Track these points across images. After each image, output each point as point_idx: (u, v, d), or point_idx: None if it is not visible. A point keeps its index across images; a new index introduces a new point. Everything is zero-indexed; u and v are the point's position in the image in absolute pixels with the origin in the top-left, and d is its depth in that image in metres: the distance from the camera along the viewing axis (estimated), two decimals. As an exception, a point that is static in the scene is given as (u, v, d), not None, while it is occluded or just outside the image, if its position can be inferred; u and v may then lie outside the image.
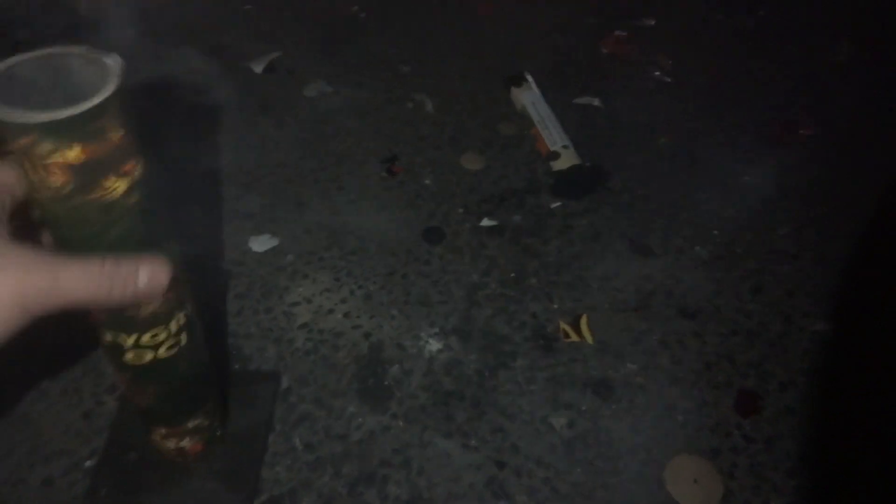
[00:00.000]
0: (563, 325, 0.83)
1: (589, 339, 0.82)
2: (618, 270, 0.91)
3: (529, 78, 1.15)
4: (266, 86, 1.20)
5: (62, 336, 0.75)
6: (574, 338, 0.82)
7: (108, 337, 0.52)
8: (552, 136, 1.04)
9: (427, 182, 1.01)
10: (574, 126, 1.11)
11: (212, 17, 1.33)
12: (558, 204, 1.00)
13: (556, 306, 0.86)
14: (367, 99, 1.18)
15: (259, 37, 1.29)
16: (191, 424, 0.62)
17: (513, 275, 0.89)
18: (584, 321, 0.84)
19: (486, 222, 0.96)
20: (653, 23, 1.42)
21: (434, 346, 0.81)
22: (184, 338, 0.54)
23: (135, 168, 0.41)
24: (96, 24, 1.20)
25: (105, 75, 0.39)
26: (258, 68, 1.22)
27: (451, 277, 0.89)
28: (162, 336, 0.52)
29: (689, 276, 0.90)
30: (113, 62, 0.39)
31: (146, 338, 0.51)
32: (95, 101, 0.37)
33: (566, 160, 1.01)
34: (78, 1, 1.29)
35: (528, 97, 1.11)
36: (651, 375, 0.78)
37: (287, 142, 1.08)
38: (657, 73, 1.28)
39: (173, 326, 0.52)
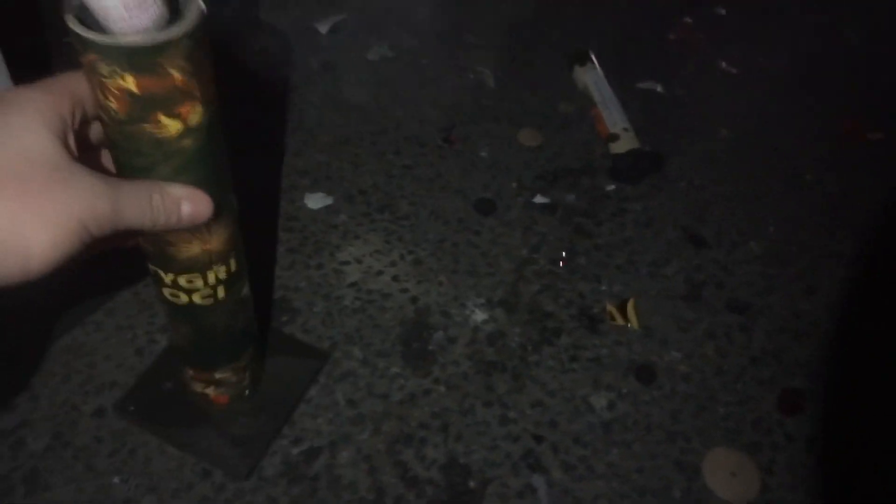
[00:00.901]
0: (610, 308, 0.83)
1: (635, 323, 0.82)
2: (669, 258, 0.90)
3: (593, 57, 1.13)
4: (330, 47, 1.20)
5: (118, 271, 0.77)
6: (620, 321, 0.82)
7: (151, 268, 0.54)
8: (613, 117, 1.03)
9: (483, 154, 1.01)
10: (635, 110, 1.09)
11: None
12: (613, 187, 0.99)
13: (604, 288, 0.86)
14: (427, 67, 1.17)
15: (325, -3, 1.30)
16: (218, 376, 0.64)
17: (563, 253, 0.89)
18: (630, 305, 0.83)
19: (539, 199, 0.96)
20: (724, 12, 1.39)
21: (479, 316, 0.81)
22: (220, 291, 0.55)
23: (191, 112, 0.41)
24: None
25: (183, 14, 0.39)
26: (323, 29, 1.23)
27: (501, 250, 0.89)
28: (198, 283, 0.53)
29: (742, 269, 0.89)
30: (196, 6, 0.39)
31: (182, 280, 0.53)
32: (159, 38, 0.37)
33: (625, 143, 1.00)
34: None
35: (591, 77, 1.10)
36: (695, 365, 0.78)
37: (347, 103, 1.09)
38: (724, 65, 1.25)
39: (210, 277, 0.53)
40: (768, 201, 0.99)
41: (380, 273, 0.84)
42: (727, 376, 0.77)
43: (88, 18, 0.37)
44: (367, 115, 1.07)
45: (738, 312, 0.84)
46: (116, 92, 0.38)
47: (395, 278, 0.84)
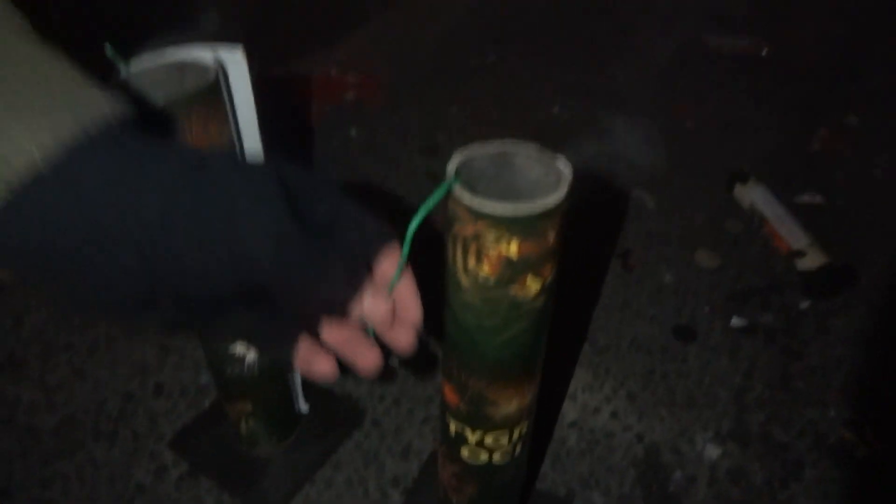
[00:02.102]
0: (847, 435, 0.77)
1: (880, 448, 0.75)
2: (890, 373, 0.84)
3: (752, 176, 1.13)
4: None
5: (336, 419, 0.76)
6: (862, 449, 0.76)
7: (453, 427, 0.52)
8: (792, 233, 1.01)
9: (667, 279, 1.00)
10: (802, 223, 1.07)
11: (425, 119, 1.41)
12: (808, 304, 0.95)
13: (832, 413, 0.80)
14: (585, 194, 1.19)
15: (468, 136, 1.35)
16: None
17: (779, 378, 0.84)
18: (868, 429, 0.78)
19: (735, 321, 0.93)
20: (856, 121, 1.39)
21: (713, 451, 0.76)
22: (519, 447, 0.54)
23: (552, 272, 0.42)
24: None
25: (555, 178, 0.40)
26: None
27: (713, 378, 0.85)
28: (503, 441, 0.52)
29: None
30: (566, 168, 0.40)
31: (489, 438, 0.51)
32: (551, 202, 0.38)
33: (814, 258, 0.97)
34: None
35: (757, 194, 1.09)
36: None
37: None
38: (878, 172, 1.23)
39: (515, 434, 0.52)
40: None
41: (597, 410, 0.81)
42: None
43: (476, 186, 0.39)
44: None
45: None
46: (494, 257, 0.39)
47: (613, 415, 0.81)
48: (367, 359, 0.39)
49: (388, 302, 0.38)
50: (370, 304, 0.38)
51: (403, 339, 0.40)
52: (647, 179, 1.21)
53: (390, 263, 0.38)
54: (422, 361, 0.85)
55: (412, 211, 0.36)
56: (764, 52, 1.66)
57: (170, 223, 0.28)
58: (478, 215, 0.37)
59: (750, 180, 1.12)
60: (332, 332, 0.38)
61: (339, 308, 0.37)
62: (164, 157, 0.30)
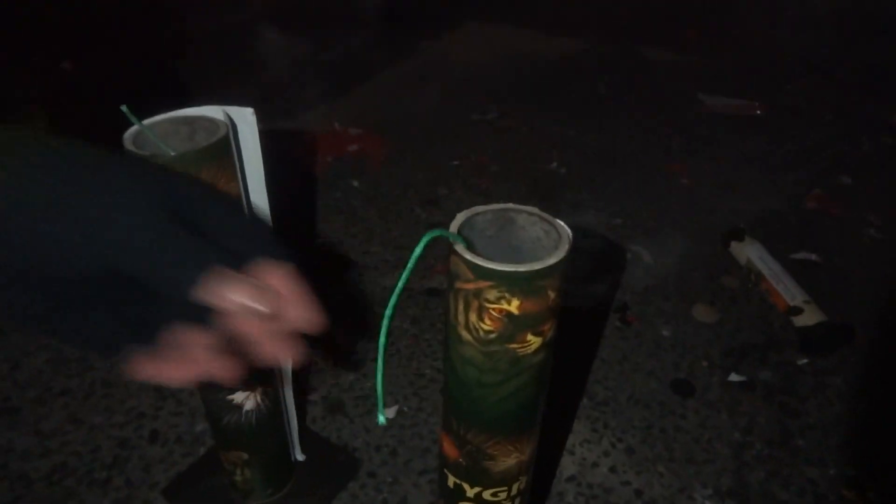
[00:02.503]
0: (847, 494, 0.77)
1: (886, 512, 0.75)
2: (891, 434, 0.84)
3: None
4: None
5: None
6: (865, 510, 0.75)
7: (451, 481, 0.52)
8: (789, 290, 1.02)
9: (664, 333, 1.00)
10: (798, 281, 1.09)
11: (426, 172, 1.43)
12: (805, 361, 0.96)
13: (832, 472, 0.80)
14: (583, 246, 1.20)
15: (469, 189, 1.37)
16: None
17: (778, 434, 0.84)
18: (870, 488, 0.77)
19: (734, 377, 0.93)
20: (850, 181, 1.42)
21: (712, 509, 0.76)
22: (517, 502, 0.53)
23: (552, 328, 0.43)
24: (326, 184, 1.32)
25: (555, 237, 0.41)
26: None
27: (712, 434, 0.85)
28: (502, 496, 0.52)
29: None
30: (564, 229, 0.41)
31: (487, 494, 0.51)
32: (550, 261, 0.39)
33: (811, 316, 0.98)
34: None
35: (753, 251, 1.10)
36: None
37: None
38: (872, 231, 1.25)
39: (514, 489, 0.52)
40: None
41: (595, 464, 0.81)
42: None
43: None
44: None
45: None
46: (496, 314, 0.40)
47: (612, 469, 0.80)
48: (222, 368, 0.34)
49: (262, 304, 0.32)
50: (238, 302, 0.32)
51: (281, 348, 0.34)
52: (643, 234, 1.23)
53: (272, 276, 0.33)
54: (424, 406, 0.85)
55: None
56: (758, 112, 1.70)
57: (33, 196, 0.28)
58: (480, 273, 0.38)
59: (746, 237, 1.13)
60: (194, 337, 0.34)
61: (205, 309, 0.32)
62: (57, 150, 0.30)
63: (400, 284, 0.37)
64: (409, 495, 0.77)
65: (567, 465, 0.80)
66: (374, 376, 0.40)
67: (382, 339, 0.38)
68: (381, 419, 0.38)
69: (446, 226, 0.41)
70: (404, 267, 0.37)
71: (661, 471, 0.80)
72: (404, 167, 1.44)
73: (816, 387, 0.92)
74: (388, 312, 0.38)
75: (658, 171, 1.45)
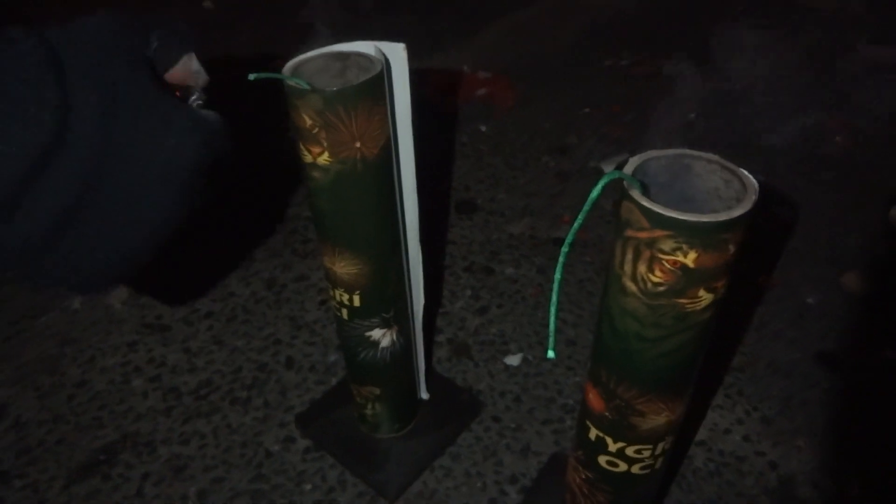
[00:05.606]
0: None
1: None
2: None
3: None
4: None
5: (448, 407, 0.76)
6: None
7: (593, 433, 0.51)
8: (960, 263, 0.92)
9: (809, 300, 0.94)
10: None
11: (555, 119, 1.39)
12: (973, 341, 0.87)
13: None
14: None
15: (601, 138, 1.32)
16: None
17: (937, 420, 0.77)
18: None
19: (889, 353, 0.86)
20: None
21: (858, 493, 0.71)
22: (660, 462, 0.52)
23: (723, 286, 0.40)
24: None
25: (736, 188, 0.38)
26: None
27: (861, 412, 0.79)
28: (645, 454, 0.50)
29: None
30: (748, 179, 0.38)
31: (630, 450, 0.50)
32: (737, 212, 0.36)
33: (985, 293, 0.88)
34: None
35: (919, 218, 1.00)
36: None
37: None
38: None
39: (659, 448, 0.50)
40: None
41: (727, 431, 0.77)
42: None
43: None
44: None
45: None
46: (669, 266, 0.37)
47: (745, 438, 0.77)
48: None
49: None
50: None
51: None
52: (792, 192, 1.14)
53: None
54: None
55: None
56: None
57: None
58: (658, 221, 0.36)
59: (911, 202, 1.03)
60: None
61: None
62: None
63: (576, 224, 0.36)
64: (532, 443, 0.77)
65: (698, 430, 0.78)
66: (548, 310, 0.40)
67: (558, 275, 0.37)
68: (551, 353, 0.38)
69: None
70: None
71: (800, 445, 0.76)
72: (533, 113, 1.40)
73: (985, 372, 0.83)
74: (564, 249, 0.37)
75: (809, 126, 1.33)
